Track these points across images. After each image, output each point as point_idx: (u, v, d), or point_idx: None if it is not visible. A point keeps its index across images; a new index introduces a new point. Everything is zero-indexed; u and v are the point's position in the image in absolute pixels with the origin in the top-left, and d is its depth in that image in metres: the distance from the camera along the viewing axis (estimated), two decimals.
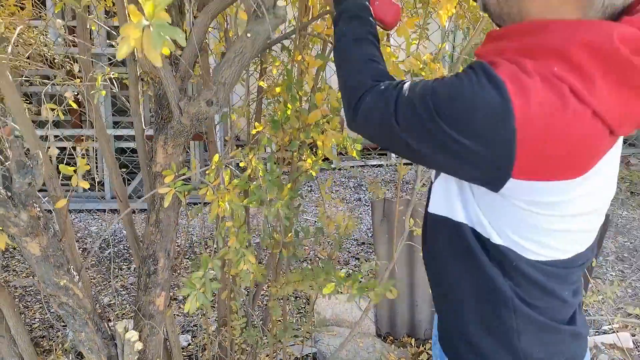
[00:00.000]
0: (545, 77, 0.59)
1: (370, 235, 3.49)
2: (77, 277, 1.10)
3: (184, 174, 1.15)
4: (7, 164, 0.87)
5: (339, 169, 4.58)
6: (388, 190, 4.35)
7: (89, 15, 1.47)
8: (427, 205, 0.85)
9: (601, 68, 0.58)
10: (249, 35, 0.99)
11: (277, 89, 1.28)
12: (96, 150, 4.14)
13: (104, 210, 3.95)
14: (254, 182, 1.10)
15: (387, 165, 4.66)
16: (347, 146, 1.32)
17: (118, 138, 4.32)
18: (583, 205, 0.67)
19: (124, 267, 3.15)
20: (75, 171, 0.96)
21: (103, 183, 4.26)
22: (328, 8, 1.40)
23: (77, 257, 1.17)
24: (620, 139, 0.70)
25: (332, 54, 1.33)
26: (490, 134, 0.60)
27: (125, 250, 3.34)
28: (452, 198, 0.76)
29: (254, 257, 1.11)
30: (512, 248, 0.70)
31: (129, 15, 0.92)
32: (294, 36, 1.28)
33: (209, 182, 1.12)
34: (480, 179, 0.67)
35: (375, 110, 0.73)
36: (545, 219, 0.67)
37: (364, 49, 0.83)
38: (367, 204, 4.04)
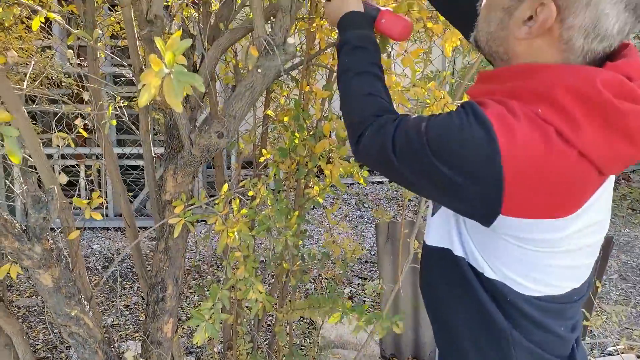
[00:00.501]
0: (531, 119, 0.61)
1: (373, 253, 3.49)
2: (88, 306, 1.11)
3: (193, 204, 1.16)
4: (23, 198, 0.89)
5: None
6: (390, 207, 4.36)
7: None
8: (424, 239, 0.86)
9: (585, 111, 0.60)
10: (259, 70, 1.01)
11: (285, 118, 1.31)
12: (99, 169, 4.16)
13: (108, 229, 3.96)
14: (262, 212, 1.12)
15: (387, 182, 4.67)
16: (354, 173, 1.34)
17: (120, 156, 4.35)
18: (576, 242, 0.69)
19: (127, 286, 3.15)
20: (88, 204, 0.98)
21: (107, 200, 4.27)
22: (335, 37, 1.44)
23: (87, 286, 1.18)
24: (612, 176, 0.71)
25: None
26: (478, 171, 0.62)
27: (128, 269, 3.34)
28: (451, 230, 0.77)
29: (262, 286, 1.12)
30: (506, 283, 0.71)
31: (147, 60, 0.94)
32: (301, 67, 1.31)
33: (218, 212, 1.14)
34: (471, 213, 0.69)
35: (375, 145, 0.76)
36: (537, 255, 0.69)
37: (367, 83, 0.86)
38: (369, 221, 4.04)
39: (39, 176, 1.12)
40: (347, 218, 4.09)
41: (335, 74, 1.45)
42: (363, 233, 3.83)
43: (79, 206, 1.00)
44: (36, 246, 0.94)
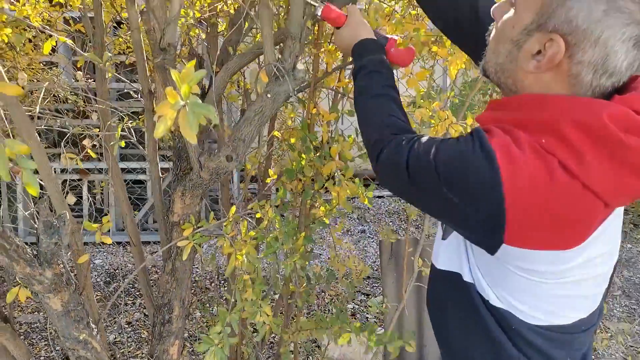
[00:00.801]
0: (536, 150, 0.62)
1: (375, 269, 3.48)
2: (95, 329, 1.11)
3: (201, 226, 1.17)
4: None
5: None
6: (392, 221, 4.36)
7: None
8: (433, 262, 0.87)
9: (591, 144, 0.60)
10: (269, 95, 1.03)
11: (292, 140, 1.32)
12: (102, 183, 4.17)
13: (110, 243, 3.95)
14: (270, 235, 1.12)
15: (387, 197, 4.68)
16: (360, 194, 1.35)
17: (122, 170, 4.36)
18: (582, 273, 0.68)
19: (128, 302, 3.14)
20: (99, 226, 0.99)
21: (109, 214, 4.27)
22: (340, 59, 1.46)
23: (95, 309, 1.18)
24: (621, 207, 0.72)
25: (342, 105, 1.37)
26: (481, 200, 0.63)
27: (131, 285, 3.33)
28: (461, 255, 0.78)
29: (270, 309, 1.12)
30: (511, 311, 0.71)
31: (157, 84, 0.95)
32: (308, 89, 1.32)
33: (226, 234, 1.14)
34: (476, 240, 0.69)
35: (391, 164, 0.77)
36: (542, 285, 0.69)
37: (384, 105, 0.88)
38: (371, 235, 4.04)
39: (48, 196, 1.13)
40: (349, 232, 4.09)
41: (339, 95, 1.47)
42: (365, 248, 3.83)
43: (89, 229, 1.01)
44: (47, 271, 0.94)
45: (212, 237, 1.21)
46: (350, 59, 1.02)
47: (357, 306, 3.02)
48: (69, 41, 1.23)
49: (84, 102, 2.24)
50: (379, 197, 4.70)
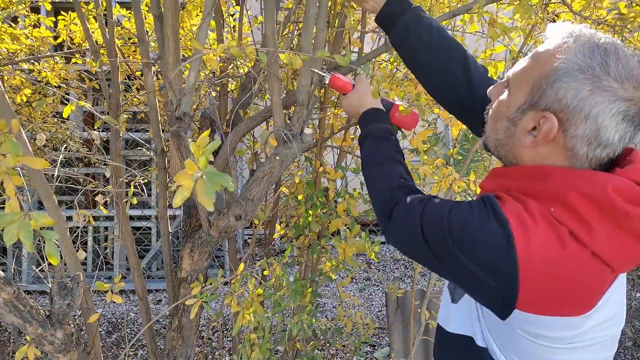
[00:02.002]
0: (547, 218, 0.65)
1: (381, 318, 3.43)
2: None
3: (210, 284, 1.19)
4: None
5: None
6: (397, 268, 4.33)
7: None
8: (442, 325, 0.87)
9: (598, 215, 0.63)
10: (277, 157, 1.07)
11: (300, 197, 1.35)
12: (106, 229, 4.19)
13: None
14: (278, 293, 1.14)
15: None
16: (366, 249, 1.36)
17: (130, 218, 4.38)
18: (592, 338, 0.70)
19: (131, 353, 3.08)
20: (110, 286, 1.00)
21: (112, 263, 4.26)
22: (346, 121, 1.52)
23: None
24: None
25: (346, 162, 1.41)
26: (495, 267, 0.65)
27: (132, 334, 3.28)
28: (474, 319, 0.79)
29: None
30: None
31: (171, 150, 1.00)
32: (314, 148, 1.37)
33: (234, 292, 1.15)
34: (489, 304, 0.71)
35: (403, 225, 0.79)
36: (552, 350, 0.69)
37: (392, 169, 0.92)
38: (376, 283, 4.00)
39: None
40: (354, 280, 4.05)
41: (345, 154, 1.51)
42: (370, 296, 3.78)
43: (100, 289, 1.02)
44: (58, 332, 0.95)
45: (218, 296, 1.21)
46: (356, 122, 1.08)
47: (362, 358, 2.95)
48: (88, 105, 1.30)
49: (95, 155, 2.31)
50: (382, 243, 4.68)
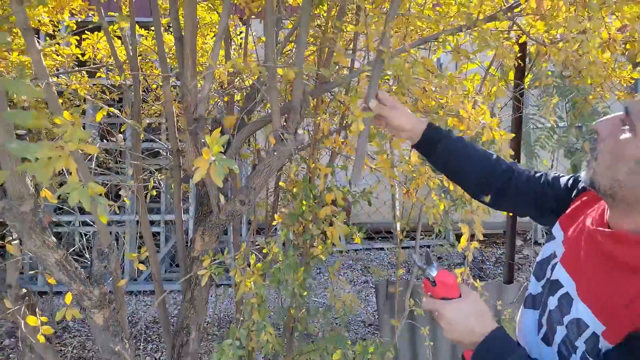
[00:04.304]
0: None
1: (377, 317, 3.62)
2: (127, 345, 1.32)
3: (218, 259, 1.41)
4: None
5: (347, 252, 4.79)
6: (394, 272, 4.52)
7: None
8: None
9: None
10: (275, 153, 1.31)
11: (295, 189, 1.59)
12: (117, 233, 4.43)
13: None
14: (274, 266, 1.36)
15: (388, 249, 4.87)
16: (354, 235, 1.59)
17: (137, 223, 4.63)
18: None
19: (140, 347, 3.29)
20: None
21: (123, 266, 4.49)
22: (335, 124, 1.75)
23: (126, 328, 1.40)
24: None
25: (336, 162, 1.64)
26: None
27: (139, 332, 3.49)
28: None
29: (273, 330, 1.34)
30: None
31: (187, 144, 1.24)
32: (309, 148, 1.61)
33: (238, 265, 1.38)
34: None
35: None
36: None
37: None
38: (373, 286, 4.20)
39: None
40: (353, 282, 4.25)
41: (336, 154, 1.75)
42: (367, 297, 3.98)
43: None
44: (95, 290, 1.18)
45: (227, 271, 1.44)
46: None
47: (356, 351, 3.15)
48: (116, 110, 1.55)
49: (116, 160, 2.56)
50: (380, 249, 4.88)
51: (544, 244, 0.99)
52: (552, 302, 0.88)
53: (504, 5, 1.38)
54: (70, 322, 3.44)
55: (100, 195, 0.92)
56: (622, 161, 0.75)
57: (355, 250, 4.84)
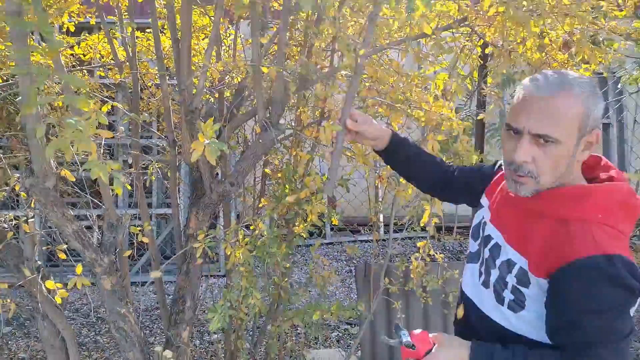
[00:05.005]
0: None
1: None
2: (131, 308, 1.52)
3: (210, 234, 1.61)
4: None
5: (332, 244, 5.00)
6: (376, 262, 4.74)
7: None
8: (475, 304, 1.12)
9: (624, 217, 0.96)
10: (260, 140, 1.51)
11: (279, 174, 1.79)
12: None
13: None
14: (260, 239, 1.57)
15: (374, 240, 5.08)
16: (329, 214, 1.80)
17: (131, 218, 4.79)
18: None
19: None
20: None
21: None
22: (316, 116, 1.96)
23: (130, 294, 1.60)
24: None
25: (316, 151, 1.84)
26: None
27: (142, 320, 3.67)
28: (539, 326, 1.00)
29: (259, 294, 1.54)
30: None
31: (184, 134, 1.44)
32: (291, 137, 1.82)
33: (228, 240, 1.58)
34: None
35: None
36: None
37: None
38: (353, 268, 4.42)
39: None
40: (337, 272, 4.46)
41: (315, 144, 1.95)
42: (351, 285, 4.19)
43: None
44: (105, 258, 1.38)
45: (217, 245, 1.64)
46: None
47: (341, 334, 3.36)
48: (120, 105, 1.74)
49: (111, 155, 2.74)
50: (366, 241, 5.11)
51: (476, 212, 1.22)
52: (487, 252, 1.13)
53: (458, 17, 1.60)
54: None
55: (116, 170, 1.12)
56: (561, 162, 0.95)
57: (340, 242, 5.05)
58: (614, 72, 4.89)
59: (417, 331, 1.05)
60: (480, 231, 1.17)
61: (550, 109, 0.92)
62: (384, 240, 4.75)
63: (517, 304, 1.02)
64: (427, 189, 1.42)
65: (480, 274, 1.14)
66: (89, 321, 3.58)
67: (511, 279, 1.03)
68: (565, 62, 1.83)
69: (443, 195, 1.43)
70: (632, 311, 0.92)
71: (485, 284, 1.11)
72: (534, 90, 0.94)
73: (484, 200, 1.20)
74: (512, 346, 0.99)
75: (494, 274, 1.08)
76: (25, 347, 3.19)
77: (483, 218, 1.17)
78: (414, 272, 2.15)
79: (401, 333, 1.04)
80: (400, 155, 1.32)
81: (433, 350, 1.02)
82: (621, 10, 2.28)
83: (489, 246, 1.11)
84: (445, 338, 1.05)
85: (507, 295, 1.03)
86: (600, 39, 2.18)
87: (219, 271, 4.30)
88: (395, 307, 2.30)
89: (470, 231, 1.23)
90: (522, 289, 1.00)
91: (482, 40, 2.05)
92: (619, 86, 4.20)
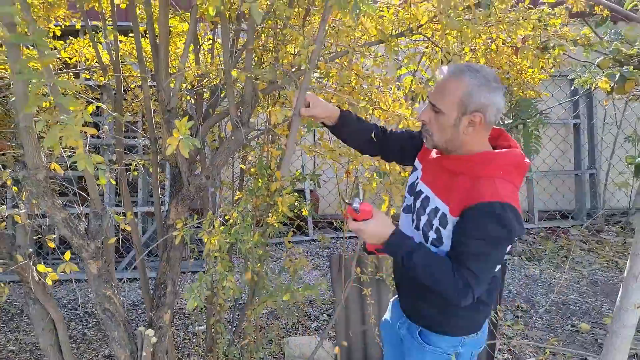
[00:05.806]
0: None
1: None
2: (116, 290, 1.66)
3: (188, 223, 1.76)
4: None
5: (315, 241, 5.16)
6: (349, 253, 4.90)
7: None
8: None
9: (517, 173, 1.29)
10: (232, 138, 1.66)
11: (253, 170, 1.94)
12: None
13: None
14: (234, 227, 1.72)
15: (353, 237, 5.26)
16: (302, 208, 1.95)
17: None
18: None
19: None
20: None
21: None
22: (288, 115, 2.12)
23: (114, 278, 1.74)
24: None
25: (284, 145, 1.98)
26: None
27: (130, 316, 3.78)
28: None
29: (233, 278, 1.69)
30: None
31: (163, 133, 1.60)
32: (263, 135, 1.97)
33: (205, 229, 1.73)
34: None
35: (484, 285, 1.30)
36: None
37: (437, 265, 1.28)
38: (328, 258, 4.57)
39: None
40: (319, 268, 4.62)
41: (283, 139, 2.11)
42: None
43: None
44: (91, 244, 1.52)
45: (195, 234, 1.78)
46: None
47: (320, 324, 3.52)
48: (104, 106, 1.88)
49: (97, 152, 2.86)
50: (351, 237, 5.27)
51: (410, 174, 1.55)
52: (418, 203, 1.43)
53: (411, 25, 1.78)
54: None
55: (100, 163, 1.26)
56: (446, 129, 1.30)
57: (327, 238, 5.20)
58: (566, 75, 5.17)
59: (368, 204, 1.32)
60: (415, 188, 1.46)
61: (443, 87, 1.28)
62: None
63: (438, 241, 1.34)
64: (369, 150, 1.70)
65: (412, 220, 1.45)
66: (76, 315, 3.69)
67: (436, 222, 1.34)
68: (512, 65, 2.02)
69: (382, 154, 1.70)
70: (507, 248, 1.28)
71: (417, 228, 1.42)
72: (442, 74, 1.30)
73: (417, 164, 1.50)
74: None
75: (423, 219, 1.39)
76: (14, 340, 3.29)
77: (417, 178, 1.47)
78: (387, 262, 2.33)
79: (356, 199, 1.33)
80: (348, 128, 1.60)
81: (368, 220, 1.31)
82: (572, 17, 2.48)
83: (420, 198, 1.42)
84: (381, 217, 1.34)
85: (431, 234, 1.35)
86: (552, 45, 2.38)
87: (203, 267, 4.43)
88: (367, 294, 2.47)
89: (407, 188, 1.53)
90: (441, 229, 1.32)
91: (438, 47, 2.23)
92: (583, 89, 4.43)
